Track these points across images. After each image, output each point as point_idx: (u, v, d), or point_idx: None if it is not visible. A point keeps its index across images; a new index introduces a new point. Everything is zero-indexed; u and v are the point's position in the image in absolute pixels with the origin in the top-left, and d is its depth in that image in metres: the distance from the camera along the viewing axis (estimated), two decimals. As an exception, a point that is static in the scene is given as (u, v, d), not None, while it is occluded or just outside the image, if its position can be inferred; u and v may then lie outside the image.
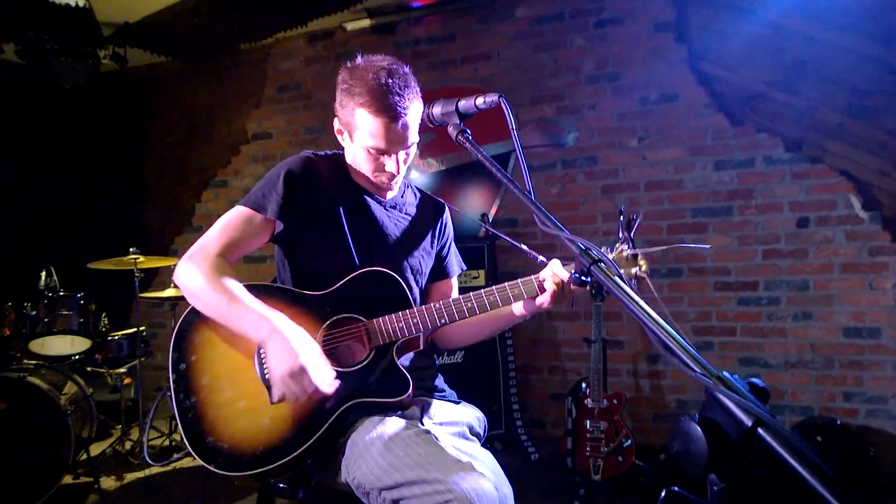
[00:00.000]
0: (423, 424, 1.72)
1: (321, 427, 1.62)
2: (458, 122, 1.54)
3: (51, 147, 5.82)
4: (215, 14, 4.79)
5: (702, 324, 4.15)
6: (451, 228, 2.08)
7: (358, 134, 1.74)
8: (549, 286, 1.67)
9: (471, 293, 1.72)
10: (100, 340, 4.13)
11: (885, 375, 3.78)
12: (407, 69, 1.72)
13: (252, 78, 5.42)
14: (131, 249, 4.03)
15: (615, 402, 3.83)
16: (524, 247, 1.88)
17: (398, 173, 1.78)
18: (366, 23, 4.89)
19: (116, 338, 4.19)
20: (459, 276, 2.09)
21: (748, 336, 4.05)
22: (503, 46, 4.59)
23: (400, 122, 1.68)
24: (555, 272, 1.68)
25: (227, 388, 1.69)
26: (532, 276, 1.70)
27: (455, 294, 2.03)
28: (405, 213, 1.95)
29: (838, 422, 3.65)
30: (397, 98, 1.65)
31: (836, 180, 3.87)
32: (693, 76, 4.16)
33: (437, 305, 1.71)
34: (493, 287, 1.71)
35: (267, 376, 1.64)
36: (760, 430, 0.73)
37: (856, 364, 3.84)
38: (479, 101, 1.48)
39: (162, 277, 4.69)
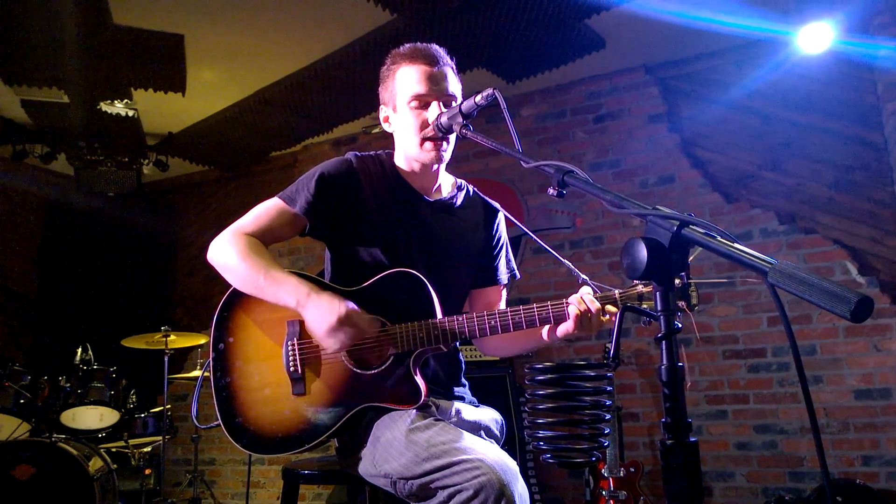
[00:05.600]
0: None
1: (336, 424, 1.72)
2: (462, 120, 1.69)
3: (92, 245, 6.22)
4: (250, 124, 5.31)
5: (714, 393, 4.21)
6: (505, 234, 2.06)
7: (400, 95, 1.82)
8: (573, 311, 1.66)
9: (496, 311, 1.73)
10: (127, 418, 4.26)
11: (901, 437, 3.78)
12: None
13: (281, 182, 5.81)
14: (163, 328, 4.25)
15: (632, 470, 3.84)
16: (568, 263, 1.89)
17: (437, 119, 1.75)
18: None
19: (143, 415, 4.32)
20: (508, 284, 2.07)
21: (761, 403, 4.10)
22: (510, 142, 4.99)
23: (437, 67, 1.80)
24: (582, 298, 1.68)
25: (256, 374, 1.79)
26: (563, 301, 1.69)
27: (503, 303, 2.04)
28: (454, 215, 1.94)
29: (858, 482, 3.62)
30: (433, 49, 1.82)
31: (830, 248, 4.06)
32: (687, 160, 4.50)
33: (461, 320, 1.71)
34: (521, 307, 1.72)
35: (292, 369, 1.74)
36: (684, 231, 0.93)
37: (871, 426, 3.85)
38: (478, 98, 1.64)
39: (193, 360, 4.87)
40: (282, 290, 1.70)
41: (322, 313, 1.65)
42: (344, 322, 1.64)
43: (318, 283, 1.81)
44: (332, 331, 1.65)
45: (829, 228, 4.14)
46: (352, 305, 1.67)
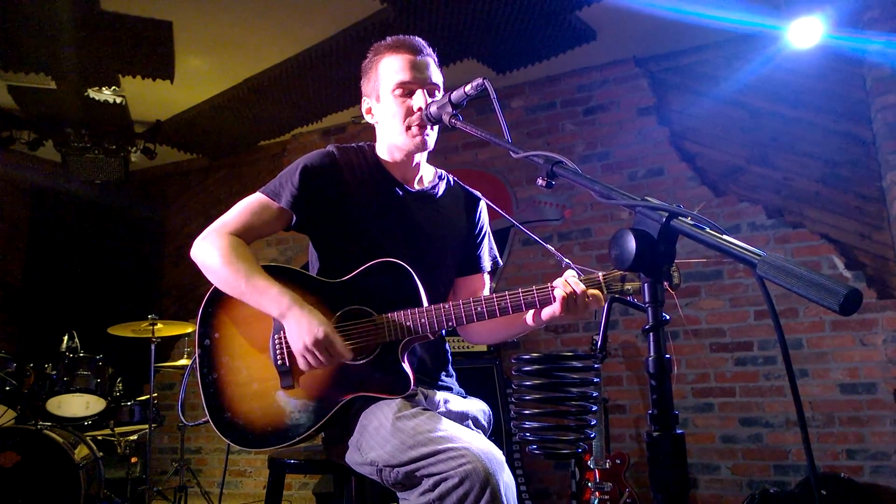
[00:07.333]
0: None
1: (325, 415, 1.71)
2: (452, 110, 1.68)
3: (79, 233, 6.18)
4: (238, 112, 5.27)
5: (701, 385, 4.23)
6: (486, 222, 2.07)
7: (384, 84, 1.83)
8: (559, 293, 1.66)
9: (482, 297, 1.73)
10: (113, 406, 4.24)
11: (885, 431, 3.81)
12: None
13: (270, 171, 5.83)
14: (150, 316, 4.23)
15: (618, 462, 3.85)
16: (550, 247, 1.92)
17: (426, 108, 1.75)
18: (375, 115, 5.34)
19: (129, 403, 4.30)
20: (492, 272, 2.08)
21: (747, 396, 4.13)
22: (500, 133, 4.99)
23: (420, 56, 1.81)
24: (567, 281, 1.67)
25: (244, 368, 1.78)
26: (547, 284, 1.69)
27: (487, 291, 2.04)
28: (436, 205, 1.95)
29: (842, 475, 3.66)
30: (415, 39, 1.83)
31: (817, 243, 4.09)
32: (676, 153, 4.51)
33: (447, 307, 1.71)
34: (507, 292, 1.71)
35: (279, 362, 1.73)
36: (674, 223, 0.92)
37: (856, 420, 3.88)
38: (468, 88, 1.62)
39: (180, 349, 4.85)
40: (263, 300, 1.70)
41: (297, 334, 1.65)
42: (315, 347, 1.63)
43: (304, 281, 1.80)
44: (303, 352, 1.66)
45: (816, 223, 4.17)
46: (329, 329, 1.66)
